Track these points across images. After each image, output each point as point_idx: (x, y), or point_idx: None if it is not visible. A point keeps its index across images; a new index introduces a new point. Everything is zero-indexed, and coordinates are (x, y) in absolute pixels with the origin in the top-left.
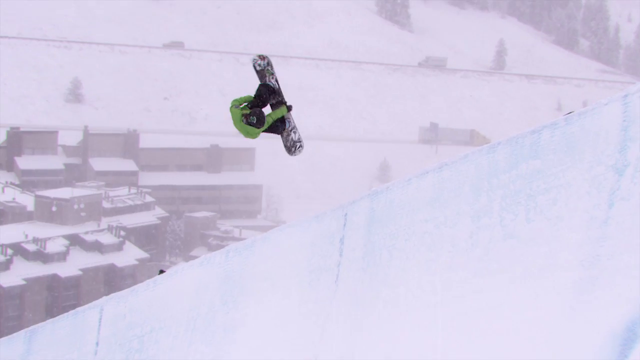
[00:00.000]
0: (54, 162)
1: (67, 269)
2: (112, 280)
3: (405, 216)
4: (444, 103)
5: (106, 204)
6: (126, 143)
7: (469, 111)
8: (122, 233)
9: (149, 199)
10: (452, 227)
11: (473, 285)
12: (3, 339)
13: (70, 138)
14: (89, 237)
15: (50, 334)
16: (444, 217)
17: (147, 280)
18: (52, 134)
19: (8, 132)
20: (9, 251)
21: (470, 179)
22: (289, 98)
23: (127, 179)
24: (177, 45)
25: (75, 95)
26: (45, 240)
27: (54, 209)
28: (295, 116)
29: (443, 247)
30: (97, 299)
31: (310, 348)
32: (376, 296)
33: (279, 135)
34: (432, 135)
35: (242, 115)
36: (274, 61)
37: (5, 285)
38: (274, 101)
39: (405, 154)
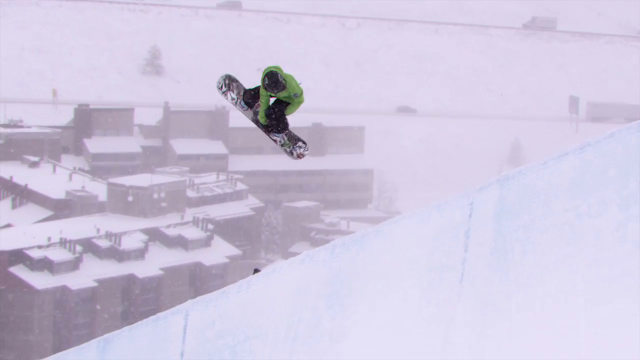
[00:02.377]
0: (130, 144)
1: (146, 269)
2: (198, 282)
3: (541, 205)
4: (586, 73)
5: (191, 193)
6: (213, 122)
7: (615, 82)
8: (210, 226)
9: (240, 186)
10: (596, 217)
11: (621, 286)
12: (72, 349)
13: (148, 116)
14: (171, 232)
15: (127, 343)
16: (587, 206)
17: (240, 281)
18: (127, 111)
19: (76, 110)
20: (78, 248)
21: (618, 161)
22: (404, 69)
23: (214, 163)
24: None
25: (153, 66)
26: (120, 235)
27: (130, 198)
28: (411, 89)
29: (586, 241)
30: (181, 303)
31: (431, 359)
32: (507, 299)
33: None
34: (573, 110)
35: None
36: (385, 25)
37: (74, 287)
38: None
39: (541, 132)
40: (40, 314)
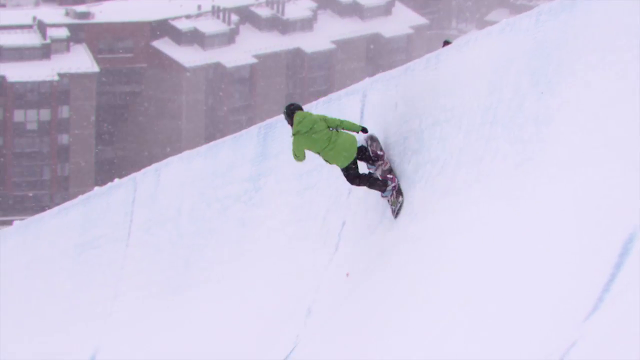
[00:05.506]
0: None
1: (315, 41)
2: (377, 56)
3: None
4: None
5: None
6: None
7: None
8: None
9: None
10: None
11: None
12: (229, 137)
13: None
14: None
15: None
16: None
17: (427, 56)
18: None
19: None
20: (234, 18)
21: None
22: None
23: None
24: None
25: None
26: (283, 1)
27: None
28: None
29: None
30: (356, 81)
31: None
32: None
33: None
34: None
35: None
36: None
37: (228, 64)
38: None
39: None
40: (190, 96)
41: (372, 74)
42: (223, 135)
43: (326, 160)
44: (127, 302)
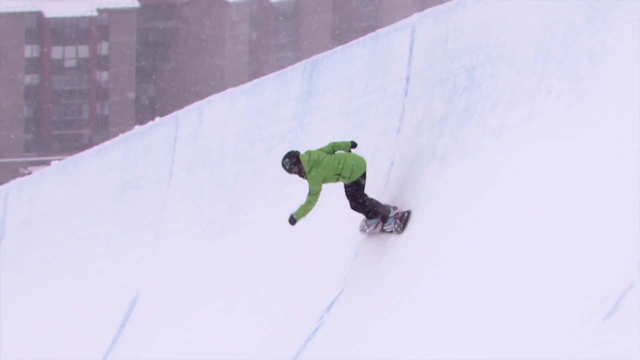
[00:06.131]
0: None
1: None
2: None
3: None
4: None
5: None
6: None
7: None
8: None
9: None
10: None
11: None
12: (273, 74)
13: None
14: None
15: (340, 66)
16: None
17: None
18: None
19: None
20: None
21: None
22: None
23: None
24: None
25: None
26: None
27: None
28: None
29: None
30: (405, 16)
31: None
32: None
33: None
34: None
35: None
36: None
37: None
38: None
39: None
40: (233, 32)
41: (421, 9)
42: (267, 72)
43: (345, 177)
44: (168, 244)
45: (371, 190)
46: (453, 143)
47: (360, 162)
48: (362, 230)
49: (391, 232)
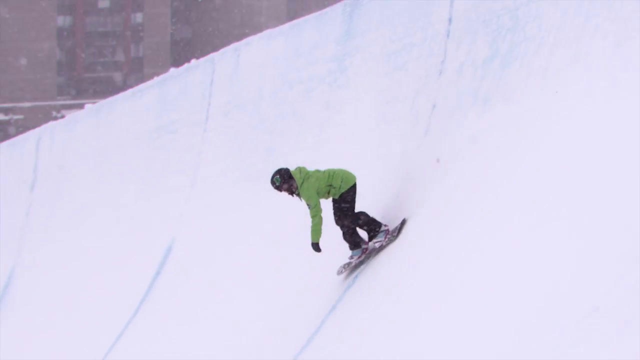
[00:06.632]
0: None
1: None
2: None
3: None
4: None
5: None
6: None
7: None
8: None
9: None
10: None
11: None
12: (311, 15)
13: None
14: None
15: (380, 10)
16: None
17: None
18: None
19: None
20: None
21: None
22: None
23: None
24: None
25: None
26: None
27: None
28: None
29: None
30: None
31: None
32: None
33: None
34: None
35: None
36: None
37: None
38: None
39: None
40: None
41: None
42: (306, 13)
43: (336, 187)
44: (204, 189)
45: (411, 136)
46: (496, 86)
47: (350, 175)
48: (340, 271)
49: (381, 246)
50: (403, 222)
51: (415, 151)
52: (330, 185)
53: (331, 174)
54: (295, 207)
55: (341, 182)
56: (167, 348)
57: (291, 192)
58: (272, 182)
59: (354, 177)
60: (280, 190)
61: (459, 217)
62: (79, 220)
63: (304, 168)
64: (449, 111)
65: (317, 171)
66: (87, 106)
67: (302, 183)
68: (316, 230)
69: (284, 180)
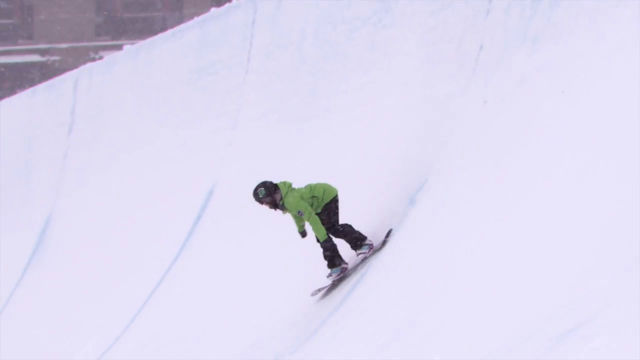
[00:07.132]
0: None
1: None
2: None
3: None
4: None
5: None
6: None
7: None
8: None
9: None
10: None
11: None
12: None
13: None
14: None
15: None
16: None
17: None
18: None
19: None
20: None
21: None
22: None
23: None
24: None
25: None
26: None
27: None
28: None
29: None
30: None
31: None
32: None
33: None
34: None
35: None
36: None
37: None
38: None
39: None
40: None
41: None
42: None
43: (318, 197)
44: (246, 131)
45: (458, 77)
46: (545, 25)
47: (331, 187)
48: (314, 292)
49: (365, 257)
50: (388, 234)
51: (461, 93)
52: (314, 197)
53: (312, 187)
54: (339, 145)
55: (323, 193)
56: (207, 295)
57: (274, 205)
58: (255, 194)
59: (335, 190)
60: (262, 203)
61: (508, 163)
62: (118, 163)
63: (287, 182)
64: (496, 52)
65: (300, 188)
66: (126, 47)
67: (287, 194)
68: (318, 228)
69: (269, 192)
